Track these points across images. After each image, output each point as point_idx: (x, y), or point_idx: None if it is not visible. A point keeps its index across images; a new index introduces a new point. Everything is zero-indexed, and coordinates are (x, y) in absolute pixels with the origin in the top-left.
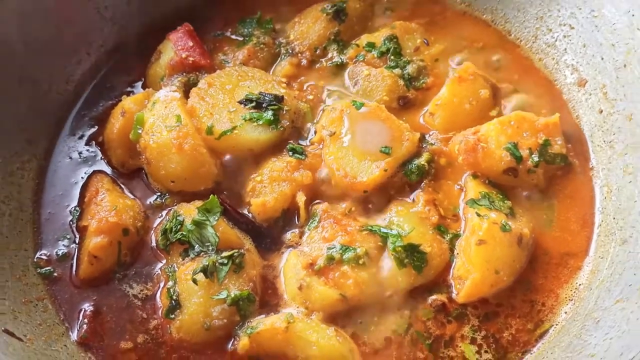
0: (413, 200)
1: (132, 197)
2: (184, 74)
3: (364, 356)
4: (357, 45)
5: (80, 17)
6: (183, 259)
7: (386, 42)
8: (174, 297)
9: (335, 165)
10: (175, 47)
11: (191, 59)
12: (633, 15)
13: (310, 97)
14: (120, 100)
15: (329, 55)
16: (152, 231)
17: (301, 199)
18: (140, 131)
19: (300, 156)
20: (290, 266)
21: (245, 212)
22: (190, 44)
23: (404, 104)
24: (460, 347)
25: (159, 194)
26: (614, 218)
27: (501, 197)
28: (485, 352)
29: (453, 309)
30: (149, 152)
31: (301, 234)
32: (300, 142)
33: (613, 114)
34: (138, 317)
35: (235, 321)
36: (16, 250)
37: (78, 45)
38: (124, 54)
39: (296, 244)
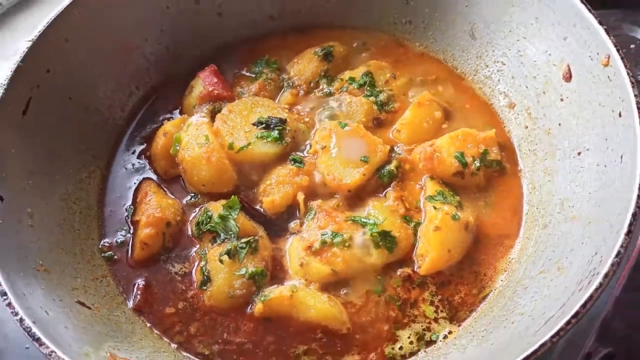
0: (385, 196)
1: (172, 197)
2: (211, 103)
3: (350, 315)
4: (342, 79)
5: (132, 61)
6: (212, 244)
7: (363, 76)
8: (206, 273)
9: (326, 171)
10: (204, 83)
11: (216, 92)
12: (550, 55)
13: (307, 119)
14: (163, 124)
15: (320, 87)
16: (188, 223)
17: (301, 197)
18: (178, 147)
19: (299, 165)
20: (293, 248)
21: (259, 207)
22: (215, 80)
23: (377, 123)
24: (422, 307)
25: (192, 194)
26: (537, 208)
27: (452, 193)
28: (441, 311)
29: (416, 279)
30: (184, 163)
31: (301, 224)
32: (300, 153)
33: (535, 129)
34: (178, 289)
35: (252, 291)
36: (85, 240)
37: (130, 82)
38: (165, 88)
39: (298, 232)
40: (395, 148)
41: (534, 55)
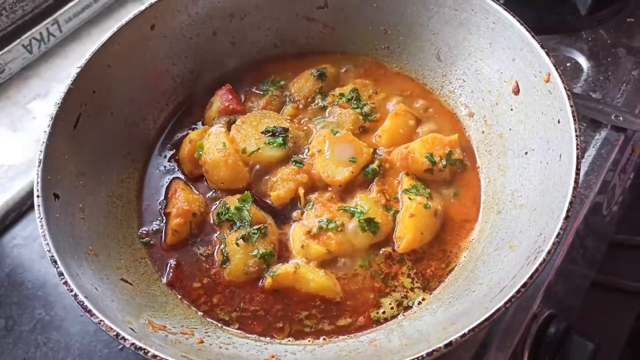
0: (370, 190)
1: (197, 193)
2: (227, 116)
3: (342, 286)
4: (333, 95)
5: (162, 82)
6: (230, 231)
7: (351, 92)
8: (225, 254)
9: (321, 170)
10: (221, 99)
11: (231, 106)
12: (501, 73)
13: (305, 128)
14: (188, 134)
15: (316, 101)
16: (210, 214)
17: (301, 191)
18: (200, 152)
19: (300, 165)
20: (295, 233)
21: (267, 200)
22: (230, 97)
23: (363, 130)
24: (400, 279)
25: (213, 191)
26: (492, 198)
27: (423, 186)
28: (416, 282)
29: (396, 256)
30: (206, 165)
31: (302, 213)
32: (300, 156)
33: (490, 134)
34: (203, 267)
35: (263, 268)
36: (127, 228)
37: (161, 100)
38: (190, 104)
39: (299, 219)
40: (377, 150)
41: (488, 74)
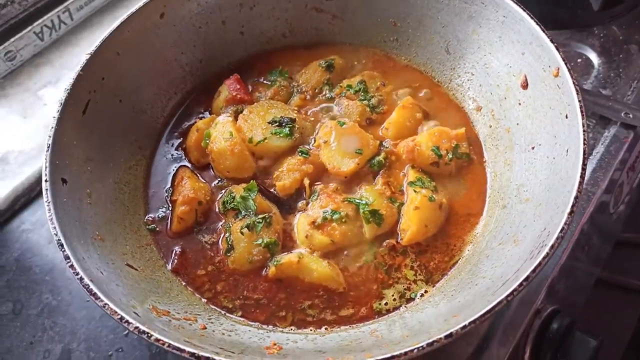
0: (375, 182)
1: (203, 181)
2: (235, 105)
3: (346, 277)
4: (341, 86)
5: (171, 71)
6: (235, 219)
7: (359, 84)
8: (230, 243)
9: (327, 161)
10: (229, 89)
11: (239, 96)
12: (510, 67)
13: (312, 119)
14: (196, 122)
15: (323, 93)
16: (216, 202)
17: (307, 182)
18: (208, 141)
19: (306, 155)
20: (300, 223)
21: (273, 190)
22: (238, 86)
23: (370, 122)
24: (404, 271)
25: (219, 179)
26: (498, 192)
27: (429, 179)
28: (419, 274)
29: (399, 248)
30: (213, 154)
31: (307, 203)
32: (306, 146)
33: (498, 128)
34: (208, 255)
35: (267, 257)
36: (133, 215)
37: (169, 88)
38: (198, 93)
39: (304, 210)
40: (383, 143)
41: (497, 68)
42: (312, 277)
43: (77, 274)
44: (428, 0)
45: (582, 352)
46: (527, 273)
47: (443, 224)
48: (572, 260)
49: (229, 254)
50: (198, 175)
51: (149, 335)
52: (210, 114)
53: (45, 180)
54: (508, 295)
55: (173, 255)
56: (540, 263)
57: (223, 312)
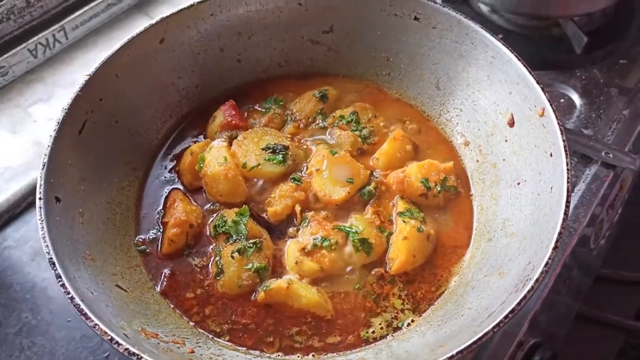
0: (365, 211)
1: (195, 204)
2: (229, 131)
3: (334, 304)
4: (334, 116)
5: (167, 95)
6: (225, 244)
7: (351, 115)
8: (219, 266)
9: (319, 189)
10: (224, 114)
11: (233, 122)
12: (497, 105)
13: (305, 147)
14: (190, 146)
15: (317, 122)
16: (207, 226)
17: (298, 208)
18: (201, 165)
19: (298, 182)
20: (290, 249)
21: (264, 215)
22: (233, 112)
23: (361, 152)
24: (391, 300)
25: (211, 203)
26: (484, 225)
27: (417, 210)
28: (406, 304)
29: (387, 277)
30: (206, 178)
31: (297, 230)
32: (298, 174)
33: (485, 163)
34: (197, 278)
35: (256, 282)
36: (124, 235)
37: (165, 111)
38: (193, 117)
39: (294, 236)
40: (374, 173)
41: (485, 105)
42: (301, 304)
43: (69, 293)
44: (420, 38)
45: None
46: (513, 306)
47: (430, 254)
48: (554, 294)
49: (218, 278)
50: (190, 198)
51: (139, 357)
52: (204, 138)
53: (40, 198)
54: (494, 327)
55: (162, 278)
56: (525, 296)
57: (211, 336)
